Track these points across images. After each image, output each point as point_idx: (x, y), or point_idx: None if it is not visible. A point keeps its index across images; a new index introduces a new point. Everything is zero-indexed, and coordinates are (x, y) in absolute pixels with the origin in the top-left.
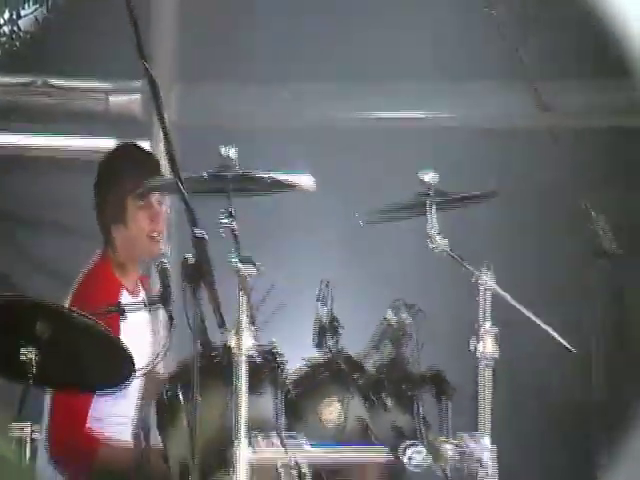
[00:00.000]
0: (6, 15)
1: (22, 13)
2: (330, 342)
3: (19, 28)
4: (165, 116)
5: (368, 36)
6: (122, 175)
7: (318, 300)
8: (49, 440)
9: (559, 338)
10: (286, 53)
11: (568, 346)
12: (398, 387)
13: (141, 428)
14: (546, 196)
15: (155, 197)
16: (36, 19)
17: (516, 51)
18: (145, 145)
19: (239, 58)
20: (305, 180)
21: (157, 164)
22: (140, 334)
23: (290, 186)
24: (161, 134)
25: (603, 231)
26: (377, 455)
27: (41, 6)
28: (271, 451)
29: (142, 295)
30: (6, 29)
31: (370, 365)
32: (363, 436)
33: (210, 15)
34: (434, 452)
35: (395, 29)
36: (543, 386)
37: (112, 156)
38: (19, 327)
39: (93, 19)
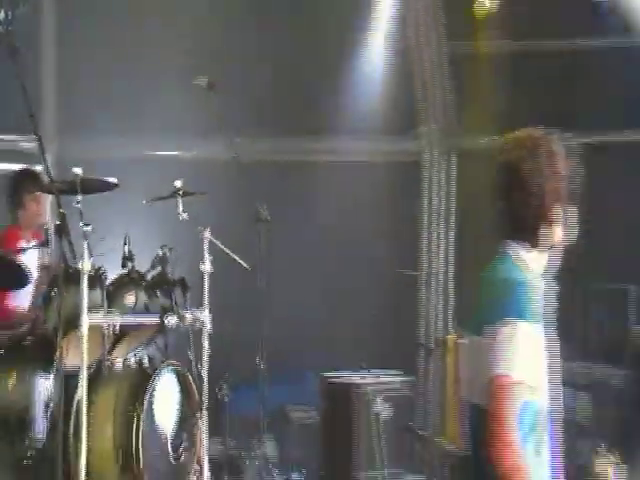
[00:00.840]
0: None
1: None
2: (130, 264)
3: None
4: (45, 153)
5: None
6: (22, 184)
7: (124, 243)
8: None
9: (242, 261)
10: (128, 111)
11: (246, 265)
12: (163, 286)
13: (35, 305)
14: (237, 198)
15: (39, 192)
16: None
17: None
18: (38, 168)
19: (94, 115)
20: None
21: (40, 177)
22: (33, 261)
23: (112, 185)
24: (44, 162)
25: (263, 210)
26: (153, 320)
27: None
28: (100, 318)
29: (34, 242)
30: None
31: (149, 275)
32: (146, 310)
33: (83, 82)
34: (181, 318)
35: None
36: (237, 285)
37: (17, 174)
38: None
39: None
